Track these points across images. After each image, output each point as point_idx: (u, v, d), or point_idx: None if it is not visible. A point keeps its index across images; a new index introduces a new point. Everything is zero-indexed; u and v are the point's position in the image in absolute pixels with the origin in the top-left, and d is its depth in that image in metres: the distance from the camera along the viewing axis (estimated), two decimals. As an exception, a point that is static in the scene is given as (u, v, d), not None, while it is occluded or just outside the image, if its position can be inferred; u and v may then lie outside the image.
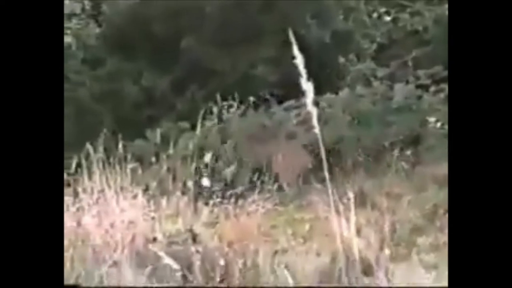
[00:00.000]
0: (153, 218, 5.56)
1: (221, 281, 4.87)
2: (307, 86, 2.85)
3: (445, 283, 5.30)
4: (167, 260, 4.62)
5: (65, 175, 6.36)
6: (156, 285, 4.86)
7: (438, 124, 10.77)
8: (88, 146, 6.06)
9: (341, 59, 13.96)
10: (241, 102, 12.02)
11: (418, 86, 11.65)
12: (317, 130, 2.96)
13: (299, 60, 2.86)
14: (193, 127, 10.50)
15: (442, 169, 9.19)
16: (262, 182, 6.72)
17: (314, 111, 2.91)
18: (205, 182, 6.23)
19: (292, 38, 2.90)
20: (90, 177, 5.64)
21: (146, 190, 5.82)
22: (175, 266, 4.47)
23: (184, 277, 4.82)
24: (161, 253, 4.79)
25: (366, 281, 5.21)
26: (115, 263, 5.06)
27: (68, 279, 4.95)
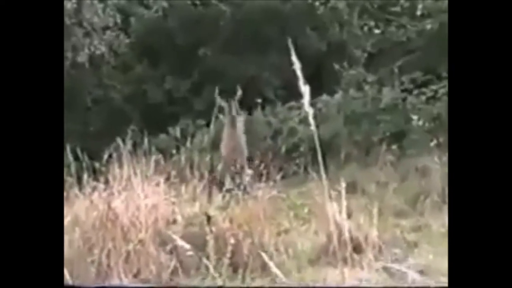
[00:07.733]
0: (173, 202, 5.55)
1: (231, 257, 4.86)
2: (304, 89, 2.83)
3: (424, 259, 5.31)
4: (180, 242, 4.62)
5: (97, 165, 6.40)
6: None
7: (420, 122, 10.74)
8: (118, 140, 6.11)
9: (336, 66, 13.95)
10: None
11: (403, 90, 11.62)
12: (313, 127, 2.93)
13: (297, 66, 2.83)
14: (208, 124, 10.51)
15: (423, 161, 9.18)
16: (268, 172, 6.67)
17: (310, 111, 2.87)
18: None
19: (291, 47, 2.87)
20: (119, 166, 5.64)
21: (167, 178, 5.81)
22: (187, 246, 4.46)
23: (197, 255, 4.82)
24: (175, 237, 4.78)
25: (357, 257, 5.19)
26: (140, 241, 5.05)
27: (100, 254, 4.96)
